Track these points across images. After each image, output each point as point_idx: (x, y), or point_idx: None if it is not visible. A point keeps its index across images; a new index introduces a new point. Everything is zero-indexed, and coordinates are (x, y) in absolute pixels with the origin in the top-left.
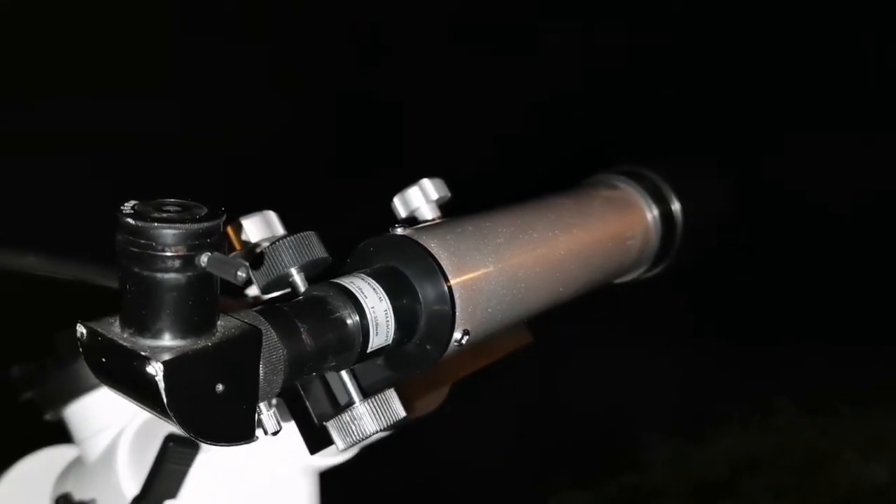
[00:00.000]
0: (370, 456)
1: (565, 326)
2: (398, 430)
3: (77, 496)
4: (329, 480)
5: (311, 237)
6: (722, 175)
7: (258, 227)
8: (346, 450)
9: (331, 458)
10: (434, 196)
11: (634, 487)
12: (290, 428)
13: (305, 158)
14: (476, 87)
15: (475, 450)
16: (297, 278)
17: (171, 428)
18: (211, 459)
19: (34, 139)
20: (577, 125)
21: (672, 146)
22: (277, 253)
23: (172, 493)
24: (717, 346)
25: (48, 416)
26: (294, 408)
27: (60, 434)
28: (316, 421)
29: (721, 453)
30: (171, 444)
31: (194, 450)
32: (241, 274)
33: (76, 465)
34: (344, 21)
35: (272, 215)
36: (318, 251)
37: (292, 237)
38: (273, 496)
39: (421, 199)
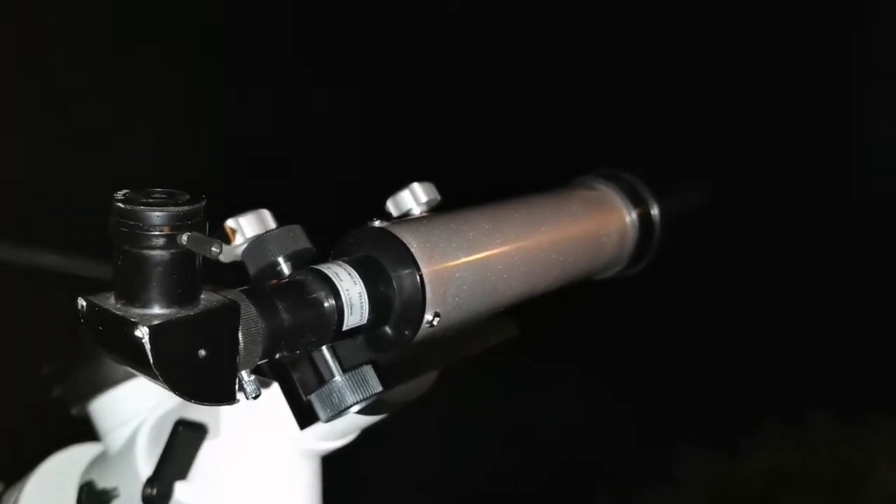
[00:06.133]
0: (386, 462)
1: (588, 332)
2: (391, 416)
3: (100, 485)
4: (335, 468)
5: (295, 230)
6: (702, 178)
7: (252, 224)
8: (328, 420)
9: (330, 442)
10: (424, 199)
11: (665, 502)
12: (291, 414)
13: (306, 164)
14: (468, 94)
15: (512, 461)
16: (284, 266)
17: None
18: (217, 443)
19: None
20: (566, 133)
21: (655, 151)
22: (265, 243)
23: (183, 474)
24: (745, 358)
25: (75, 412)
26: (284, 385)
27: (86, 432)
28: (302, 395)
29: (753, 468)
30: (180, 428)
31: (202, 434)
32: (216, 249)
33: (100, 457)
34: (344, 22)
35: (266, 213)
36: (303, 242)
37: (279, 229)
38: (276, 478)
39: (412, 201)
